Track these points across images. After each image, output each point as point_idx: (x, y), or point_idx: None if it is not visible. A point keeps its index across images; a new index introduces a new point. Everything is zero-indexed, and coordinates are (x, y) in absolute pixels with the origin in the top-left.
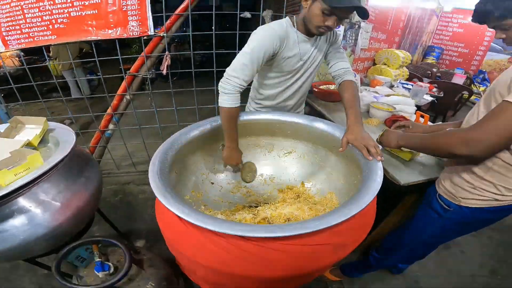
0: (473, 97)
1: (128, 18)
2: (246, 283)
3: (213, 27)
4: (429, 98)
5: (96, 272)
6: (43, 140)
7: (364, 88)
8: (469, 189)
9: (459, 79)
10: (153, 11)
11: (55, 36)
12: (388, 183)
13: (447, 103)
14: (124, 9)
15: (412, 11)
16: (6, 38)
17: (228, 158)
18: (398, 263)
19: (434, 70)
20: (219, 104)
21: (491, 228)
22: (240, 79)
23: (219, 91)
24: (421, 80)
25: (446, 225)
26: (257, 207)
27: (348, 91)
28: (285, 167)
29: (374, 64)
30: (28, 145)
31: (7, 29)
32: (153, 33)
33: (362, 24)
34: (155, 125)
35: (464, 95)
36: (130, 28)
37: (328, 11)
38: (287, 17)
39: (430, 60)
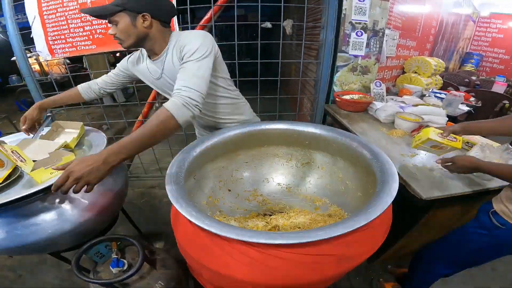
0: None
1: None
2: None
3: (235, 37)
4: (465, 108)
5: (111, 268)
6: (79, 143)
7: (391, 97)
8: None
9: (499, 87)
10: (183, 22)
11: (95, 46)
12: (410, 196)
13: (486, 113)
14: None
15: (444, 16)
16: (52, 47)
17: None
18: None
19: (473, 78)
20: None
21: None
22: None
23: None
24: (457, 89)
25: (491, 242)
26: (271, 215)
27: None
28: (302, 177)
29: (404, 72)
30: (66, 147)
31: (53, 38)
32: None
33: (387, 31)
34: (181, 133)
35: (506, 104)
36: None
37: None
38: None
39: (469, 67)
